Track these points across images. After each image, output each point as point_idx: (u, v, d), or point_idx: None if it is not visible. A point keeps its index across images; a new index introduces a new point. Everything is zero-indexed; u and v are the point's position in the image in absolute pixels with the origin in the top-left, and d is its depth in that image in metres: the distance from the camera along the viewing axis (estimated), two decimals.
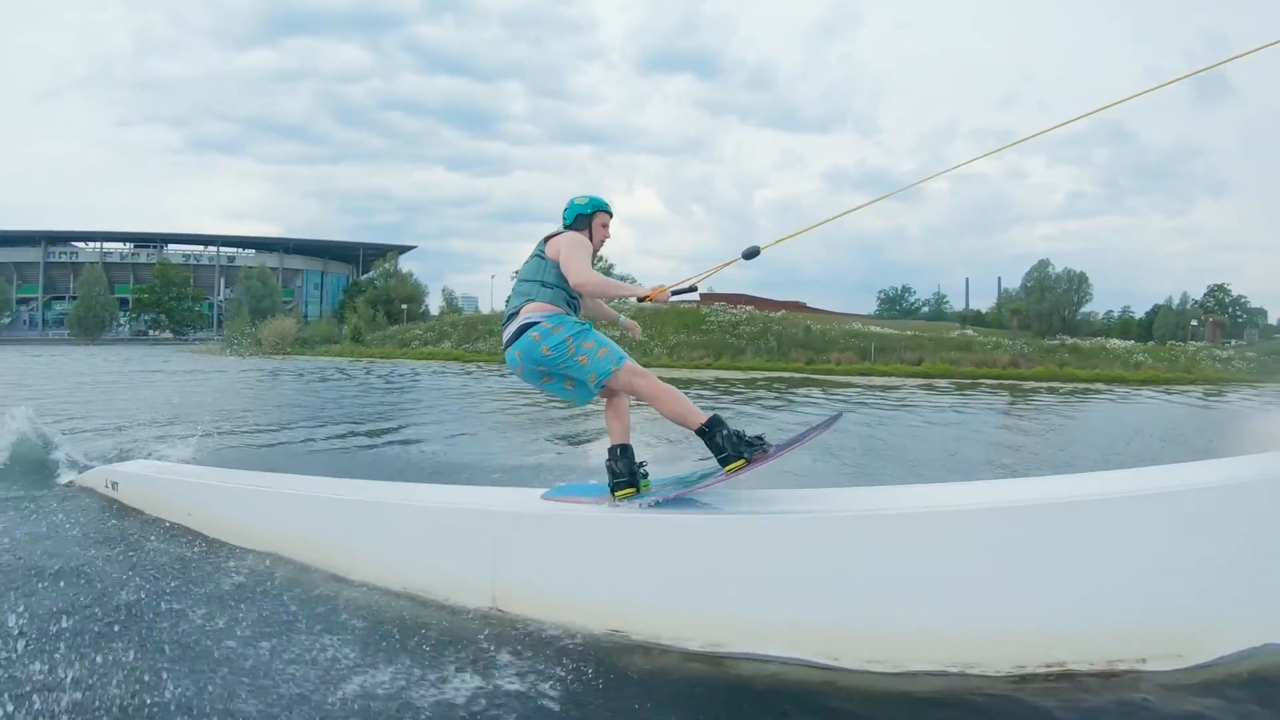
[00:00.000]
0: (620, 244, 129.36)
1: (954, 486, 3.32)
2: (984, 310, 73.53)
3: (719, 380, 21.35)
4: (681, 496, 3.09)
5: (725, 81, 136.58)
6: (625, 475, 3.15)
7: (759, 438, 3.05)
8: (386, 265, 67.43)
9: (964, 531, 2.71)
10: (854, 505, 3.08)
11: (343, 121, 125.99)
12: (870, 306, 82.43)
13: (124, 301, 72.49)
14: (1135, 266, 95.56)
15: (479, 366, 28.20)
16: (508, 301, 3.28)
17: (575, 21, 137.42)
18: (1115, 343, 31.06)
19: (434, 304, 66.39)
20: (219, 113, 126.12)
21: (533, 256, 3.25)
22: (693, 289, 3.27)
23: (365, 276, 70.82)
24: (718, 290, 74.29)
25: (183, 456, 6.54)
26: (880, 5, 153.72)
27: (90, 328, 64.50)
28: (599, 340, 3.08)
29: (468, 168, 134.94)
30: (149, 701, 2.34)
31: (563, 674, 2.61)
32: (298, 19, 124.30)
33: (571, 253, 3.10)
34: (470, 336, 32.05)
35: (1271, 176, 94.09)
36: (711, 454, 3.06)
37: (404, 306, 46.94)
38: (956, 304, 79.95)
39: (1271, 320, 66.71)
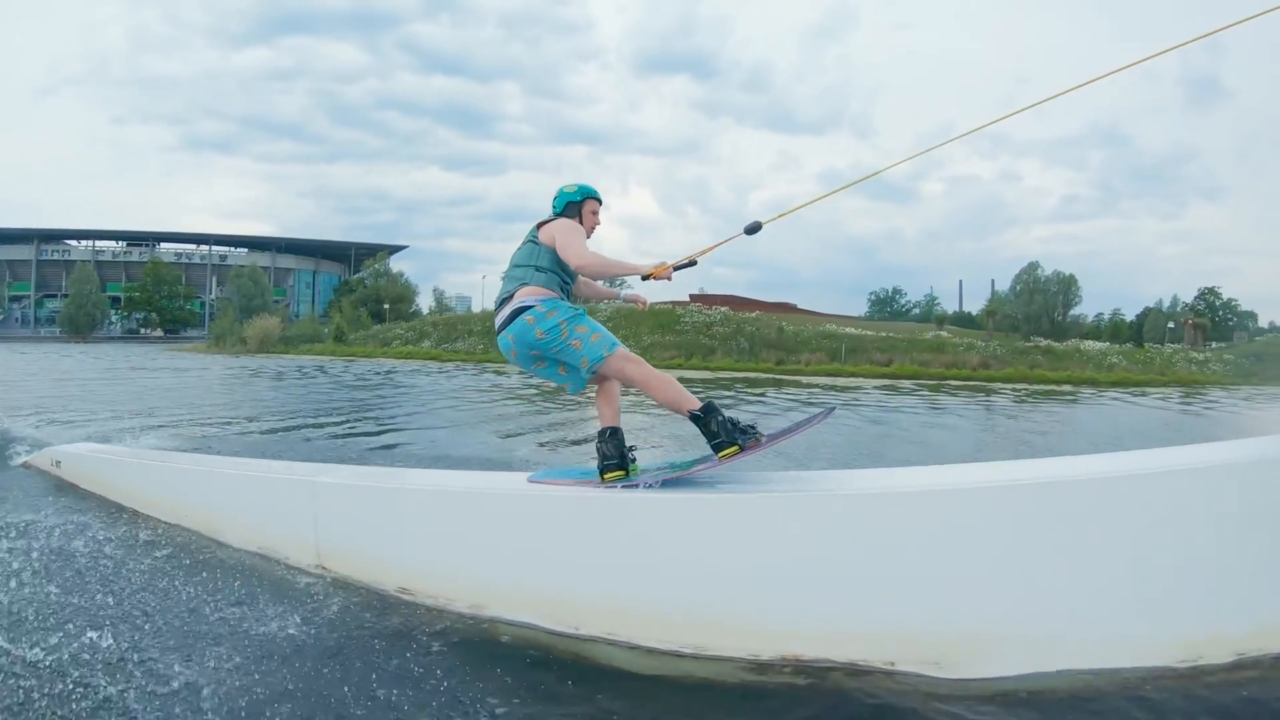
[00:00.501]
0: (615, 245, 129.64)
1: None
2: (974, 313, 74.39)
3: (681, 379, 21.63)
4: (671, 480, 3.11)
5: (721, 83, 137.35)
6: (615, 457, 3.18)
7: (752, 426, 3.07)
8: (376, 265, 67.70)
9: (672, 514, 2.91)
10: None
11: (339, 121, 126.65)
12: (863, 309, 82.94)
13: (116, 300, 72.78)
14: (1130, 270, 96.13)
15: (456, 365, 28.53)
16: (501, 286, 3.27)
17: (572, 22, 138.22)
18: (1090, 344, 31.29)
19: (426, 303, 66.84)
20: (215, 111, 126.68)
21: (525, 242, 3.29)
22: (693, 263, 3.25)
23: (355, 276, 71.12)
24: (710, 292, 74.66)
25: (135, 442, 7.41)
26: (877, 7, 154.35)
27: (81, 326, 64.77)
28: (592, 326, 3.10)
29: (463, 168, 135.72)
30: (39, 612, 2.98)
31: (356, 623, 2.99)
32: (294, 18, 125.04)
33: (568, 237, 3.13)
34: (450, 336, 32.37)
35: (1266, 180, 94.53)
36: (705, 440, 3.05)
37: (386, 306, 47.10)
38: (950, 306, 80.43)
39: (1263, 323, 67.12)
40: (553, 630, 2.91)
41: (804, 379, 22.04)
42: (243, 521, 3.99)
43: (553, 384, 3.26)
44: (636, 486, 3.02)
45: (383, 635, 2.89)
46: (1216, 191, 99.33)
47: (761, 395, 15.51)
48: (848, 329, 30.07)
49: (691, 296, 73.45)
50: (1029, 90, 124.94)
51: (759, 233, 3.23)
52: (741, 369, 24.67)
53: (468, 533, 3.20)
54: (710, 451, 3.01)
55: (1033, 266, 63.50)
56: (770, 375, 22.82)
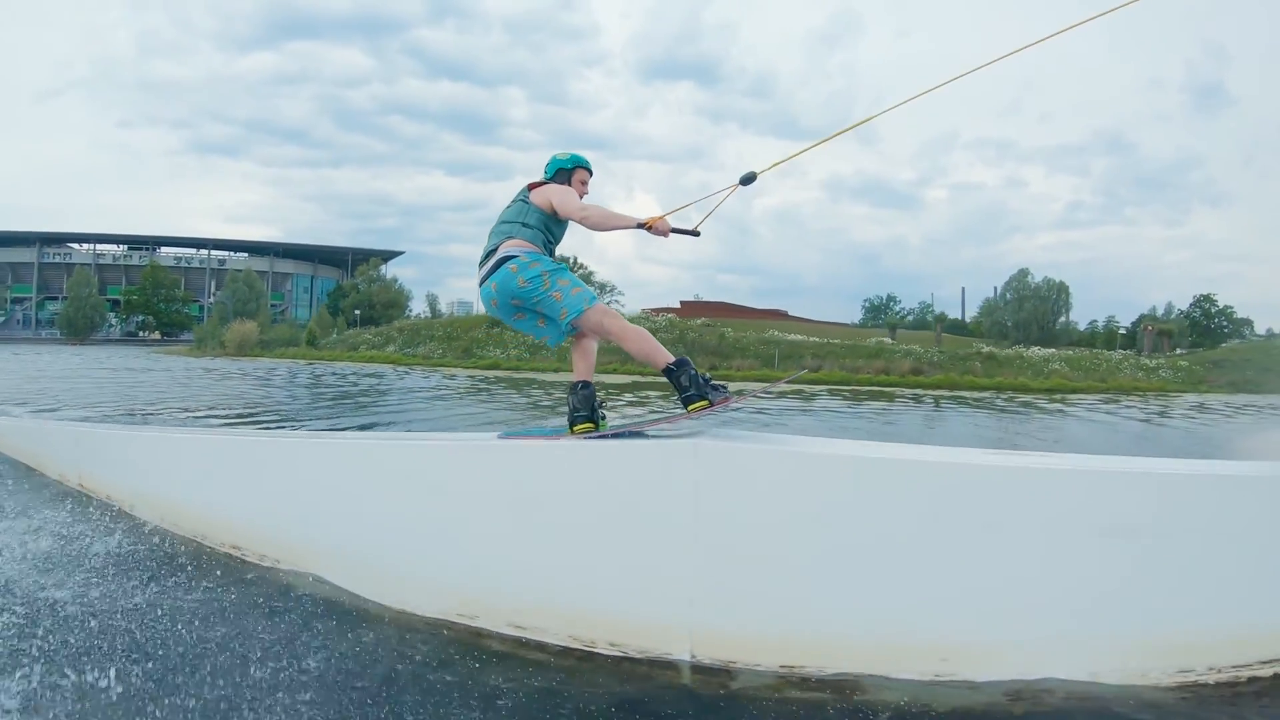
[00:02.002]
0: (619, 250, 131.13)
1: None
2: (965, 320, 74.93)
3: (603, 385, 23.04)
4: (637, 431, 3.25)
5: (726, 89, 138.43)
6: (584, 410, 3.31)
7: (724, 385, 3.23)
8: (370, 271, 69.51)
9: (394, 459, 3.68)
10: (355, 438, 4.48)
11: (344, 125, 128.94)
12: (859, 316, 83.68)
13: (116, 303, 75.11)
14: (1133, 277, 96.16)
15: (409, 369, 30.00)
16: (487, 241, 3.38)
17: (577, 28, 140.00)
18: (1035, 351, 32.12)
19: (420, 309, 68.51)
20: (220, 115, 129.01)
21: (515, 201, 3.40)
22: (696, 234, 3.37)
23: (348, 281, 73.03)
24: (705, 299, 75.63)
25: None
26: (881, 14, 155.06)
27: (80, 328, 66.93)
28: (573, 280, 3.22)
29: (468, 173, 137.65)
30: None
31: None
32: (300, 23, 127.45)
33: (565, 195, 3.28)
34: (412, 341, 33.89)
35: (1270, 187, 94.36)
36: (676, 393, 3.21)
37: (358, 311, 48.73)
38: (953, 313, 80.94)
39: (1260, 330, 67.24)
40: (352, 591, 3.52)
41: (727, 384, 23.21)
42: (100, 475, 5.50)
43: (532, 338, 3.44)
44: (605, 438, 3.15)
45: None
46: (1221, 198, 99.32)
47: (645, 398, 16.74)
48: (791, 335, 31.16)
49: (682, 303, 74.81)
50: (1034, 95, 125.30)
51: (754, 183, 3.34)
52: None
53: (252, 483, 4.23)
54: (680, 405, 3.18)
55: (1023, 273, 64.10)
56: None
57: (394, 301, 65.59)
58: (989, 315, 65.15)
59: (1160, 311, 66.85)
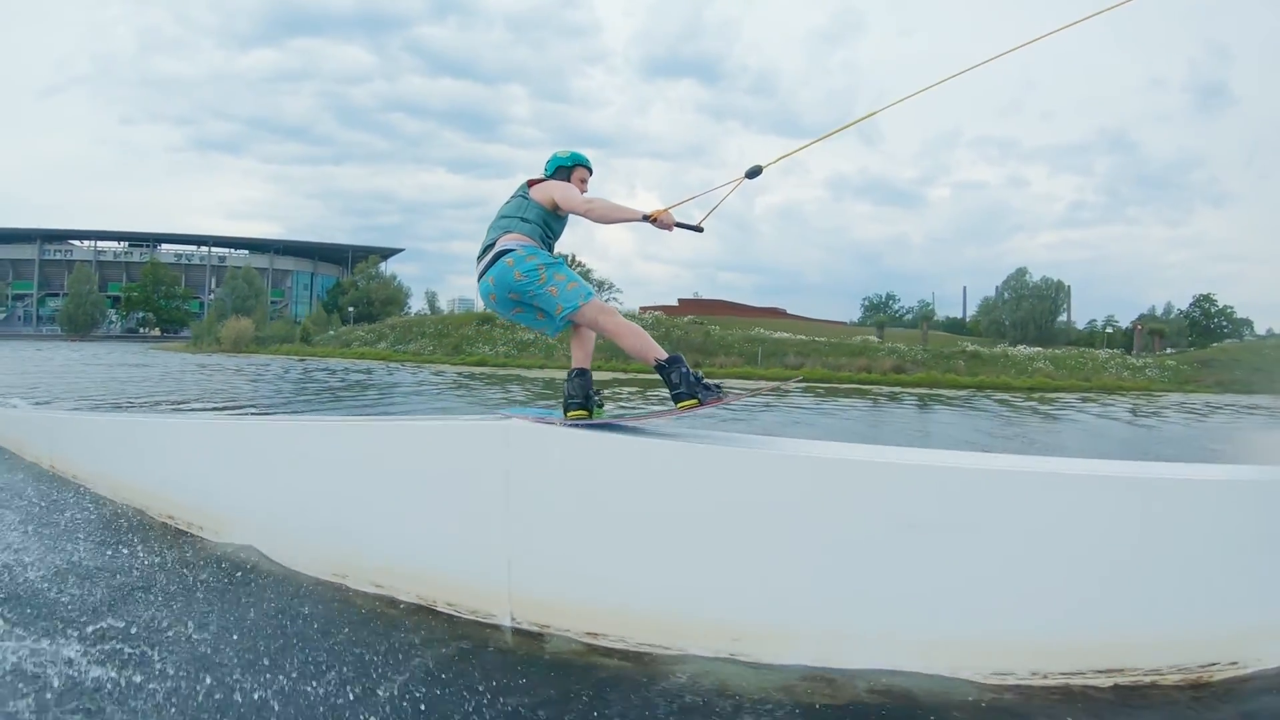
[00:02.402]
0: (621, 248, 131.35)
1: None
2: (959, 317, 75.28)
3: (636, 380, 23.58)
4: (627, 424, 3.33)
5: (728, 87, 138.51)
6: (579, 396, 3.35)
7: (717, 385, 3.23)
8: (369, 269, 70.08)
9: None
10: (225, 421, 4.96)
11: (345, 122, 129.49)
12: (858, 314, 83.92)
13: (116, 299, 75.85)
14: (1136, 276, 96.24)
15: (400, 365, 30.45)
16: (485, 237, 3.41)
17: (579, 25, 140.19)
18: (1020, 350, 32.37)
19: (419, 305, 69.05)
20: (222, 112, 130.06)
21: (515, 196, 3.43)
22: (699, 229, 3.39)
23: (348, 278, 73.59)
24: (707, 297, 75.87)
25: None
26: (883, 13, 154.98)
27: (80, 324, 67.68)
28: (569, 275, 3.25)
29: (470, 170, 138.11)
30: None
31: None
32: (301, 19, 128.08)
33: (567, 190, 3.32)
34: (404, 338, 34.35)
35: (1272, 187, 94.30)
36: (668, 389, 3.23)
37: (352, 309, 49.25)
38: (955, 311, 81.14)
39: (1260, 330, 67.28)
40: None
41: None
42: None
43: (533, 331, 3.77)
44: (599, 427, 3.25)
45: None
46: (1223, 198, 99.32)
47: (619, 393, 17.12)
48: (779, 334, 31.49)
49: (681, 301, 75.16)
50: (1036, 94, 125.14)
51: (759, 176, 3.37)
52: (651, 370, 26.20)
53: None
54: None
55: (1020, 272, 64.60)
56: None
57: (392, 298, 66.19)
58: (987, 314, 65.52)
59: (1160, 311, 66.95)
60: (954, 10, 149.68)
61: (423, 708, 2.46)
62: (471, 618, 3.19)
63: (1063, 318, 64.12)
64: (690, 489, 2.95)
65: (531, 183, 3.44)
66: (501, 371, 26.85)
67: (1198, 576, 2.71)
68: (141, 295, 74.31)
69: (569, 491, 3.06)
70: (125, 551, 3.94)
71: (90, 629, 2.94)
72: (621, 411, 3.80)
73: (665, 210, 3.25)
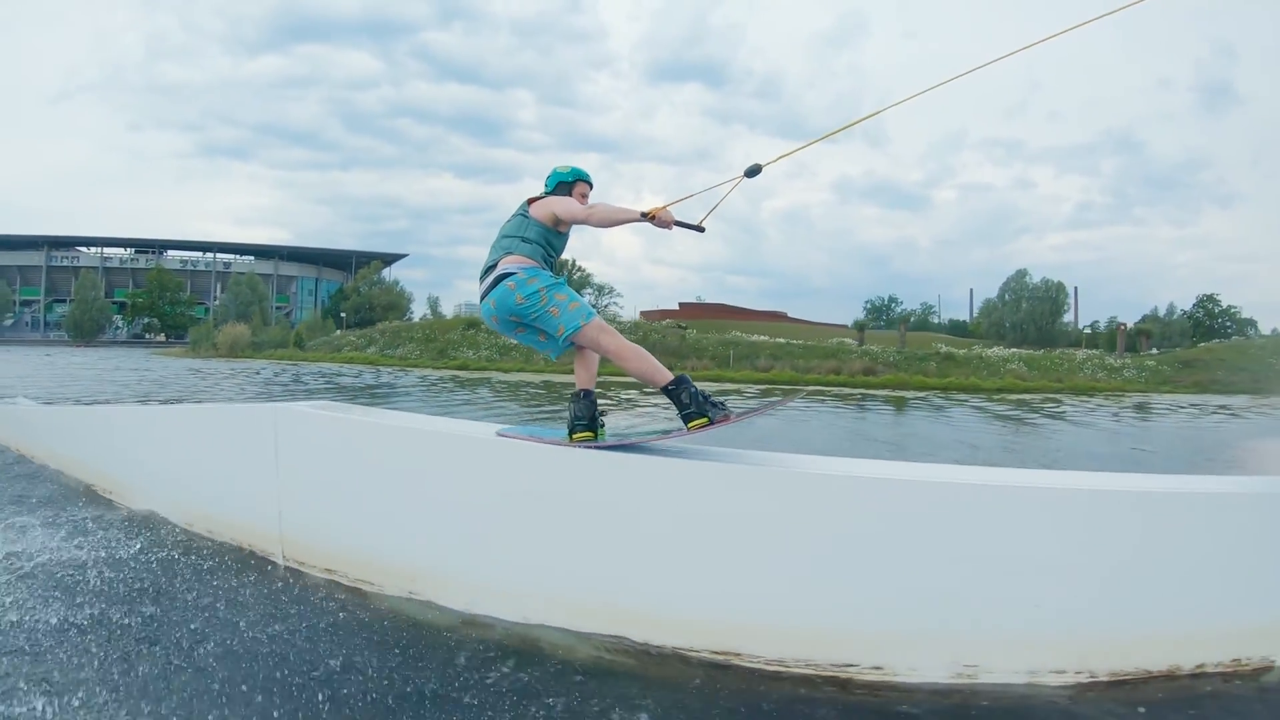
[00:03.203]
0: (628, 253, 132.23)
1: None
2: (964, 320, 75.76)
3: (544, 382, 24.67)
4: (636, 445, 3.39)
5: (733, 91, 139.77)
6: (585, 418, 3.42)
7: (723, 402, 3.32)
8: (371, 275, 71.51)
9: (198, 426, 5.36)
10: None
11: (353, 128, 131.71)
12: (859, 317, 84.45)
13: (122, 305, 77.78)
14: (1143, 277, 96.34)
15: (387, 369, 31.59)
16: (487, 256, 3.50)
17: (584, 30, 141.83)
18: (994, 351, 32.99)
19: (421, 311, 70.26)
20: (229, 118, 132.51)
21: (515, 215, 3.49)
22: (700, 229, 3.44)
23: (350, 284, 75.13)
24: (713, 301, 76.53)
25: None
26: (887, 15, 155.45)
27: (86, 330, 69.51)
28: (570, 295, 3.33)
29: (477, 175, 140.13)
30: None
31: None
32: (308, 25, 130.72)
33: (566, 202, 3.41)
34: (393, 343, 35.53)
35: (1279, 187, 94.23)
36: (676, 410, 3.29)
37: (344, 315, 50.50)
38: (962, 314, 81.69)
39: (1265, 330, 67.25)
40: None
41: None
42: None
43: (536, 351, 3.56)
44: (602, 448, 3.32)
45: None
46: (1230, 198, 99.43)
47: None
48: (758, 336, 32.32)
49: (681, 305, 76.02)
50: (1042, 96, 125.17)
51: (759, 175, 3.44)
52: (616, 373, 27.18)
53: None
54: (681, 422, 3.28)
55: (1020, 274, 64.94)
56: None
57: (394, 304, 67.49)
58: (987, 316, 65.93)
59: (1162, 312, 67.13)
60: (958, 13, 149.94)
61: (220, 617, 3.35)
62: (263, 555, 4.15)
63: (1068, 318, 64.46)
64: (378, 464, 3.77)
65: (532, 201, 3.52)
66: (475, 375, 27.92)
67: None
68: (147, 301, 76.16)
69: (317, 462, 3.98)
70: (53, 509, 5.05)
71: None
72: (623, 433, 3.86)
73: (663, 208, 3.31)
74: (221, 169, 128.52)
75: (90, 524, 4.66)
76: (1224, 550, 2.90)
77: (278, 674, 2.85)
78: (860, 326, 35.01)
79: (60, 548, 4.18)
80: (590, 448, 3.35)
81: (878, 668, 2.86)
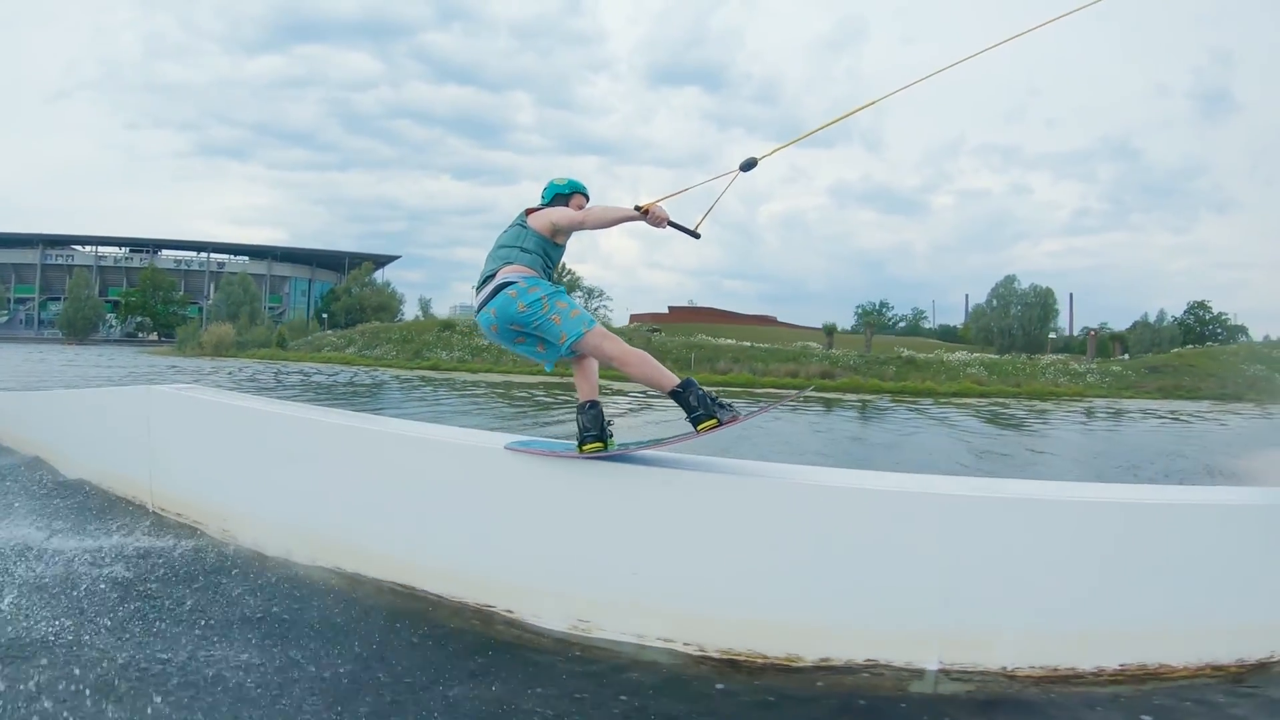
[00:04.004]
0: (625, 257, 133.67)
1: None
2: (958, 325, 77.02)
3: (506, 383, 26.07)
4: (648, 452, 3.54)
5: (732, 94, 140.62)
6: (594, 429, 3.50)
7: (730, 404, 3.39)
8: (362, 277, 72.98)
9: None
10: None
11: (351, 129, 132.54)
12: (850, 322, 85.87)
13: (116, 304, 79.37)
14: (1140, 284, 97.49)
15: (364, 369, 32.99)
16: (484, 266, 3.57)
17: (583, 33, 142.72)
18: (957, 355, 34.19)
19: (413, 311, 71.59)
20: (227, 118, 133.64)
21: (513, 226, 3.57)
22: (696, 235, 3.50)
23: (341, 285, 76.52)
24: (701, 305, 77.59)
25: None
26: (887, 20, 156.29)
27: (79, 328, 70.91)
28: (571, 303, 3.41)
29: (474, 177, 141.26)
30: None
31: None
32: (307, 26, 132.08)
33: (561, 211, 3.51)
34: (371, 344, 36.98)
35: (1277, 194, 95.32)
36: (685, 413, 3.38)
37: (325, 315, 51.88)
38: (957, 319, 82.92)
39: (1256, 337, 68.17)
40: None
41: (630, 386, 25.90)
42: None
43: (533, 361, 3.63)
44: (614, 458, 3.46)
45: None
46: (1227, 205, 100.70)
47: (524, 397, 19.37)
48: (724, 340, 33.64)
49: (671, 309, 77.20)
50: (1039, 102, 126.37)
51: (754, 169, 3.56)
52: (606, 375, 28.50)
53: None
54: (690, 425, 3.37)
55: (1009, 280, 66.00)
56: (604, 382, 26.66)
57: (384, 305, 68.92)
58: (976, 322, 67.07)
59: (1153, 318, 68.23)
60: (957, 18, 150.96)
61: (88, 549, 4.53)
62: (140, 506, 5.47)
63: (1062, 323, 65.67)
64: (219, 435, 5.06)
65: (529, 211, 3.61)
66: (439, 375, 29.32)
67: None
68: (140, 300, 77.65)
69: (178, 432, 5.33)
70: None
71: None
72: (633, 439, 3.99)
73: (655, 203, 3.37)
74: (219, 169, 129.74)
75: (35, 487, 6.00)
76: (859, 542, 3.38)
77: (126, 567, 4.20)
78: (829, 330, 36.07)
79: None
80: (601, 458, 3.53)
81: (510, 610, 3.71)
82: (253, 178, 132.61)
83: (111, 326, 79.42)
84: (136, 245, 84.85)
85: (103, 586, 3.85)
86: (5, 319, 79.08)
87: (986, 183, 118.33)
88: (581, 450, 3.54)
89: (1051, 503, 3.40)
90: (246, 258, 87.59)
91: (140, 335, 78.72)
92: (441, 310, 69.73)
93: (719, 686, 3.13)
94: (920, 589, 3.22)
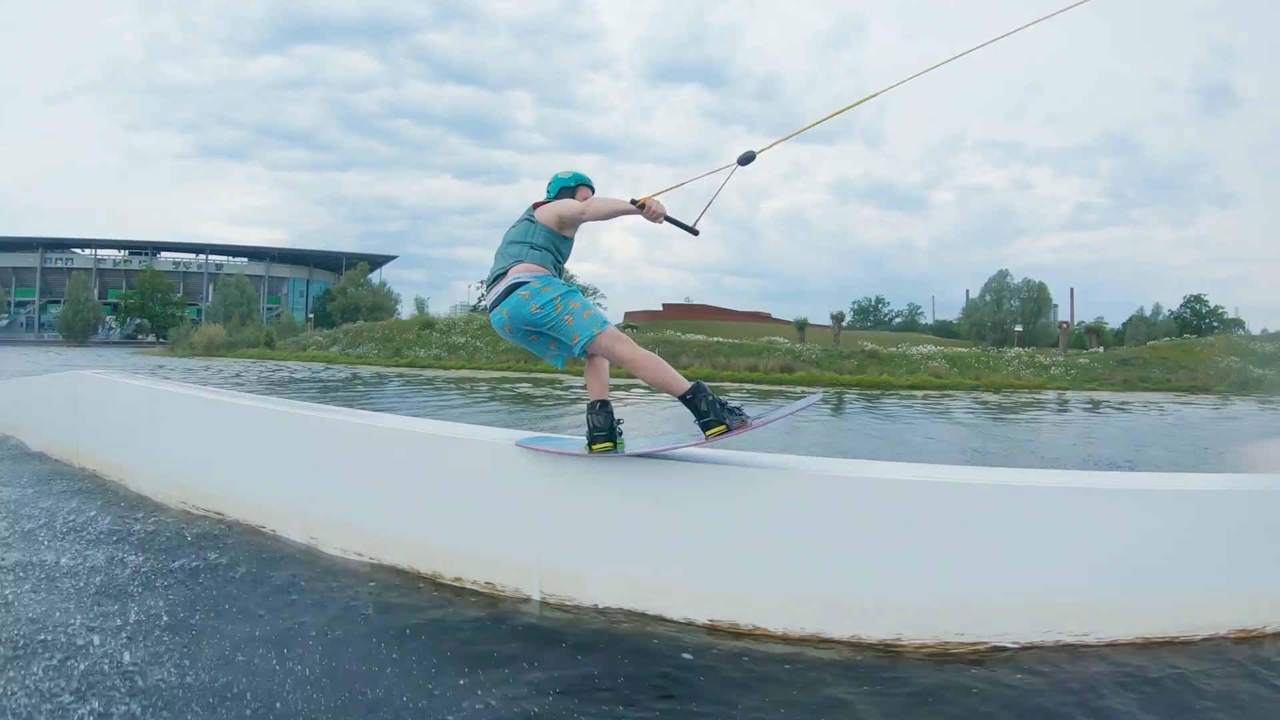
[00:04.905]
0: (626, 254, 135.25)
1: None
2: (953, 320, 78.31)
3: (474, 378, 27.90)
4: (656, 454, 3.66)
5: (732, 92, 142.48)
6: (604, 429, 3.61)
7: (739, 408, 3.49)
8: (359, 278, 75.01)
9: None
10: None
11: (351, 129, 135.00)
12: (846, 318, 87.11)
13: (115, 306, 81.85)
14: (1141, 279, 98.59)
15: (347, 367, 34.90)
16: (494, 263, 3.66)
17: (583, 31, 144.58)
18: (921, 349, 35.54)
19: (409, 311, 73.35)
20: (227, 119, 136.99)
21: (521, 221, 3.65)
22: (694, 232, 3.55)
23: (337, 286, 78.60)
24: (696, 301, 78.95)
25: None
26: (888, 16, 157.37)
27: (78, 331, 73.09)
28: (584, 303, 3.49)
29: (475, 176, 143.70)
30: None
31: None
32: (306, 26, 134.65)
33: (566, 203, 3.61)
34: (355, 343, 38.92)
35: (1277, 188, 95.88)
36: (694, 418, 3.48)
37: (311, 315, 53.73)
38: (955, 314, 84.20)
39: (1254, 330, 69.03)
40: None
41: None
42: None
43: (545, 360, 3.72)
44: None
45: None
46: (1228, 200, 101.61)
47: (483, 391, 21.13)
48: (692, 335, 35.27)
49: (665, 306, 78.65)
50: (1040, 97, 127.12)
51: (752, 163, 3.64)
52: (552, 370, 30.26)
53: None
54: (699, 429, 3.48)
55: (1002, 274, 67.31)
56: (570, 376, 28.54)
57: (380, 305, 70.91)
58: (969, 317, 68.36)
59: (1149, 312, 69.29)
60: (958, 14, 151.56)
61: (25, 496, 6.28)
62: (69, 465, 7.22)
63: (1064, 317, 66.95)
64: (125, 413, 6.80)
65: (536, 206, 3.69)
66: (410, 371, 31.19)
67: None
68: (138, 302, 79.94)
69: (97, 408, 7.09)
70: None
71: None
72: (644, 442, 4.09)
73: (652, 196, 3.41)
74: (220, 170, 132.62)
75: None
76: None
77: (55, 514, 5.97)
78: (800, 325, 37.59)
79: None
80: (611, 458, 3.67)
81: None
82: (253, 178, 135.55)
83: (111, 329, 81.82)
84: (135, 248, 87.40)
85: (34, 510, 5.62)
86: (5, 322, 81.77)
87: (988, 178, 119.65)
88: (591, 450, 3.67)
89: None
90: (245, 259, 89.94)
91: (140, 337, 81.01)
92: (441, 310, 71.71)
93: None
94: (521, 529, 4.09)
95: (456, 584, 4.18)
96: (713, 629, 3.66)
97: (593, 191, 3.84)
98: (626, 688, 3.13)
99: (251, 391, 13.64)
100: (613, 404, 3.82)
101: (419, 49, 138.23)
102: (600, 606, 3.85)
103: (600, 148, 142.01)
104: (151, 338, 79.98)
